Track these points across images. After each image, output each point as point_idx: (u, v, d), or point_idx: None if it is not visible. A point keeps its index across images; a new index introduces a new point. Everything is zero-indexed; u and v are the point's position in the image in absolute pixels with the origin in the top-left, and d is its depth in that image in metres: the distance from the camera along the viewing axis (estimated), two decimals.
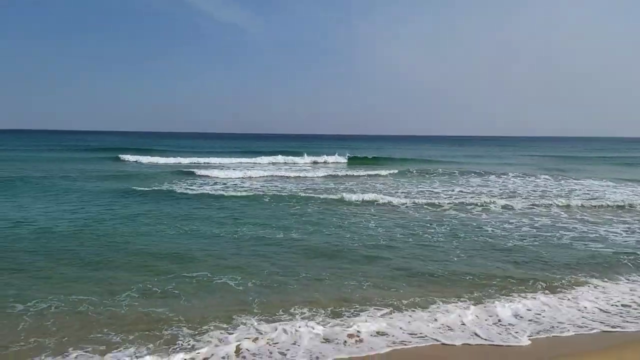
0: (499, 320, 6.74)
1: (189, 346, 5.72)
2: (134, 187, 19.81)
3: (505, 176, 28.09)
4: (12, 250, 9.75)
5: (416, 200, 17.61)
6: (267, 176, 26.73)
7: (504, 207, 16.60)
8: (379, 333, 6.23)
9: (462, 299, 7.45)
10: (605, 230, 13.01)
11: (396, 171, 29.88)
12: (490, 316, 6.84)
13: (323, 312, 6.81)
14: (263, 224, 12.89)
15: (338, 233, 12.07)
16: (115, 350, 5.57)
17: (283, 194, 19.03)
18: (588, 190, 21.93)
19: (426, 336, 6.19)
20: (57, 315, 6.54)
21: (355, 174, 28.61)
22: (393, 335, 6.17)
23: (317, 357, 5.58)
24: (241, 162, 38.11)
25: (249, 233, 11.81)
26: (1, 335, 5.95)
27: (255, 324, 6.35)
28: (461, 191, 21.14)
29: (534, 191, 21.55)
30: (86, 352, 5.55)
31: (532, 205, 17.12)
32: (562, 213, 15.72)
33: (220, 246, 10.50)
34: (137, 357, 5.39)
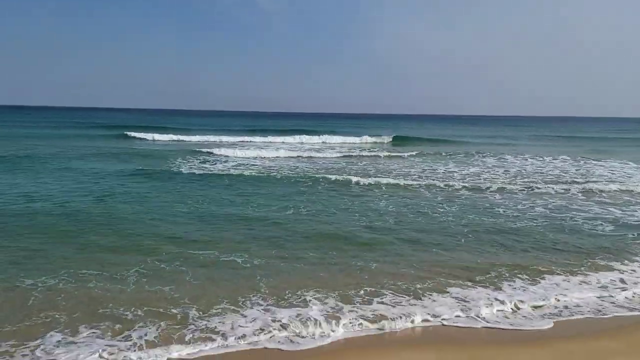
0: (517, 304, 6.66)
1: (202, 327, 5.72)
2: (145, 166, 19.99)
3: (521, 156, 27.71)
4: (25, 226, 9.92)
5: (430, 182, 17.47)
6: (280, 157, 26.61)
7: (519, 189, 16.37)
8: (392, 314, 6.20)
9: (477, 282, 7.39)
10: (621, 213, 12.78)
11: (414, 153, 29.37)
12: (506, 299, 6.76)
13: (332, 294, 6.77)
14: (272, 204, 12.90)
15: (347, 214, 12.03)
16: (127, 331, 5.60)
17: (295, 174, 19.01)
18: (607, 172, 21.54)
19: (445, 319, 6.17)
20: (66, 291, 6.65)
21: (371, 155, 28.34)
22: (408, 315, 6.16)
23: (328, 335, 5.66)
24: (253, 141, 38.02)
25: (258, 212, 11.85)
26: (12, 310, 6.08)
27: (266, 306, 6.35)
28: (476, 172, 20.91)
29: (551, 172, 21.22)
30: (100, 329, 5.62)
31: (547, 186, 16.87)
32: (579, 195, 15.47)
33: (229, 225, 10.54)
34: (147, 340, 5.43)
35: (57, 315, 5.93)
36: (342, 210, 12.46)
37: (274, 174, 18.68)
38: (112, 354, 5.13)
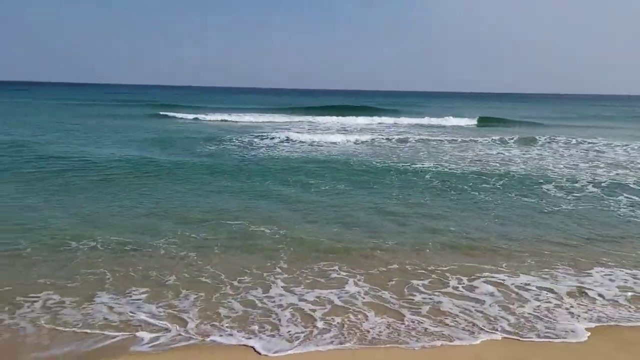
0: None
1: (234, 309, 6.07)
2: (199, 144, 21.41)
3: (608, 144, 24.52)
4: (73, 192, 11.78)
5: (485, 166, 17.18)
6: (349, 141, 24.38)
7: (588, 181, 15.02)
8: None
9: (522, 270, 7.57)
10: None
11: (495, 137, 25.96)
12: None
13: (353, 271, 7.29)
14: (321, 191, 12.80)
15: (383, 198, 12.12)
16: (178, 299, 6.21)
17: (366, 162, 17.65)
18: None
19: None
20: (105, 253, 7.72)
21: (449, 138, 26.25)
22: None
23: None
24: (310, 122, 37.00)
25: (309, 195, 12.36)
26: (58, 268, 7.12)
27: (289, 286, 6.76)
28: (545, 156, 19.97)
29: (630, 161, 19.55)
30: (146, 293, 6.37)
31: (617, 177, 15.72)
32: None
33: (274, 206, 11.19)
34: (192, 312, 5.93)
35: (103, 277, 6.81)
36: (382, 191, 12.83)
37: (337, 160, 17.79)
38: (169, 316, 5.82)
